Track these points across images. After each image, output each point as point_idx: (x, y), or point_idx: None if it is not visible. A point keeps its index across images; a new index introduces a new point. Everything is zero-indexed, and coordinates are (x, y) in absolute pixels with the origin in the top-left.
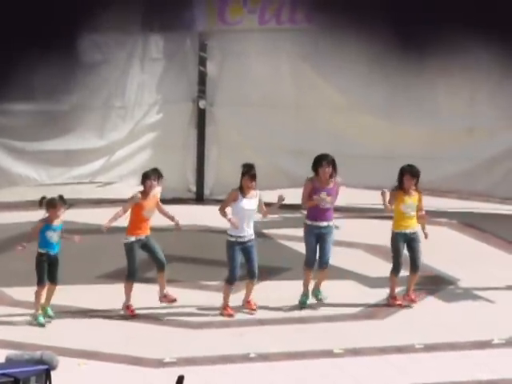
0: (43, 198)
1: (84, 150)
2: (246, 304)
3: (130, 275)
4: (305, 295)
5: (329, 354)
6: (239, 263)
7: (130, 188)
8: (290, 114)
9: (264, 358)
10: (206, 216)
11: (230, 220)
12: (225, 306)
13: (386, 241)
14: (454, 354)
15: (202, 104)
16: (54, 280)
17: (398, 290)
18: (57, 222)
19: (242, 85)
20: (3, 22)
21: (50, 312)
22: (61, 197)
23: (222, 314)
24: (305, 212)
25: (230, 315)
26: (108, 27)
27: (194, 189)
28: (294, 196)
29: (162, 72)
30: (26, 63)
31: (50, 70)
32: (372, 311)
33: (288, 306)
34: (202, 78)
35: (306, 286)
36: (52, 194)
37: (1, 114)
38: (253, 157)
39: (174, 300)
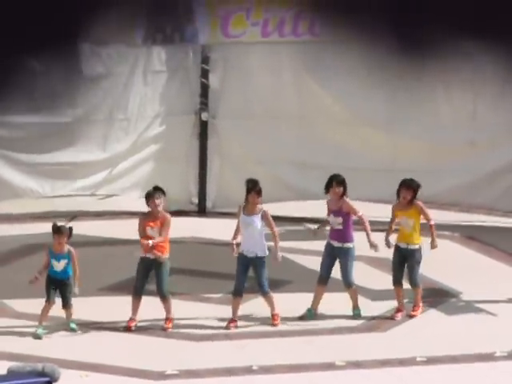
0: (54, 224)
1: (87, 163)
2: (271, 317)
3: (133, 290)
4: (309, 310)
5: (331, 366)
6: (243, 277)
7: (133, 200)
8: (293, 126)
9: (266, 370)
10: (208, 228)
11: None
12: (230, 319)
13: (387, 253)
14: (456, 367)
15: (204, 116)
16: (62, 303)
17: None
18: (59, 250)
19: (245, 97)
20: (6, 34)
21: (73, 325)
22: (70, 228)
23: (226, 327)
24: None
25: (234, 327)
26: (111, 40)
27: (196, 201)
28: (297, 209)
29: (165, 84)
30: (29, 76)
31: (53, 82)
32: (374, 324)
33: (290, 319)
34: (205, 91)
35: (314, 300)
36: (54, 206)
37: (3, 126)
38: (255, 169)
39: (166, 329)
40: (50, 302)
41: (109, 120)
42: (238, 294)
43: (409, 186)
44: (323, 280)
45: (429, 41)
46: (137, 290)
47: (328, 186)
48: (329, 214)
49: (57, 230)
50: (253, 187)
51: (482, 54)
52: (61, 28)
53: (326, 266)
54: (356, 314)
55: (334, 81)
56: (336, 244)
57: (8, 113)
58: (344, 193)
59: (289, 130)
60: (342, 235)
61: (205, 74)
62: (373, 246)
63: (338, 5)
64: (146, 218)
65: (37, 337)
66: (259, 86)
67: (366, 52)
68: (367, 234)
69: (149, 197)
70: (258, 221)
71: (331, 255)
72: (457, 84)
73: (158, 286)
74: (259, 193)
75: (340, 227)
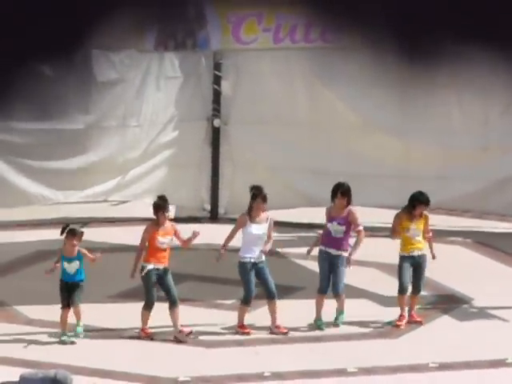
0: (67, 225)
1: (99, 169)
2: (275, 328)
3: (146, 304)
4: (319, 320)
5: (343, 372)
6: (254, 284)
7: (145, 206)
8: (304, 133)
9: (278, 376)
10: (220, 235)
11: (221, 252)
12: (240, 325)
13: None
14: (468, 373)
15: (216, 122)
16: (72, 303)
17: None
18: (71, 253)
19: (257, 103)
20: (19, 41)
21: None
22: (81, 232)
23: (237, 332)
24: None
25: (247, 333)
26: (123, 46)
27: (208, 207)
28: (309, 215)
29: (177, 91)
30: (42, 82)
31: (66, 88)
32: (385, 330)
33: (302, 325)
34: (217, 97)
35: (318, 311)
36: (67, 212)
37: (16, 133)
38: (267, 175)
39: (191, 332)
40: (66, 308)
41: (121, 126)
42: (251, 302)
43: (421, 202)
44: (325, 290)
45: (441, 47)
46: (153, 303)
47: (333, 195)
48: (330, 221)
49: (70, 231)
50: (258, 193)
51: (494, 59)
52: (73, 34)
53: (328, 276)
54: (339, 321)
55: (346, 87)
56: (334, 252)
57: (20, 119)
58: (349, 202)
59: (300, 136)
60: (341, 244)
61: (217, 80)
62: (350, 262)
63: (350, 11)
64: (156, 228)
65: (64, 343)
66: (271, 92)
67: (378, 58)
68: (355, 248)
69: (159, 208)
70: (265, 229)
71: (329, 264)
72: (469, 89)
73: (172, 292)
74: (264, 199)
75: (341, 235)
